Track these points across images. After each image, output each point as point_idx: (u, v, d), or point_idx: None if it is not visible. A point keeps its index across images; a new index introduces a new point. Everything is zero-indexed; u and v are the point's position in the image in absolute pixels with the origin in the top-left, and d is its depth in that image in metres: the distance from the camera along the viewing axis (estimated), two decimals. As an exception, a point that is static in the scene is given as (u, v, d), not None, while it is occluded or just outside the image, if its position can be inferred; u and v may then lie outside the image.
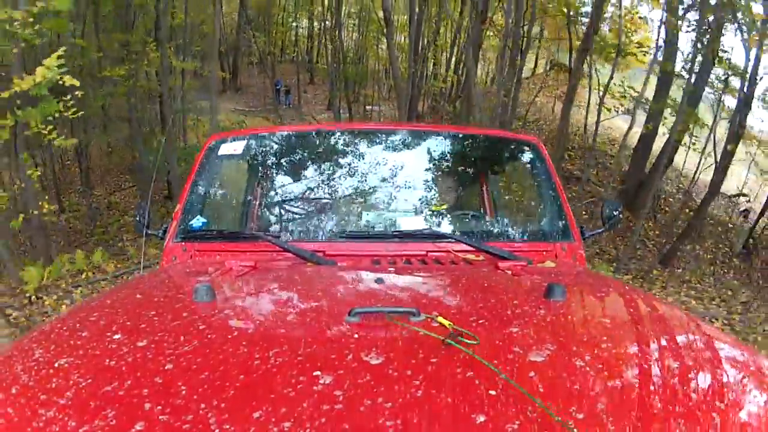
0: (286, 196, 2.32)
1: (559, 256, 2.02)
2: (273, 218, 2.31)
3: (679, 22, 8.43)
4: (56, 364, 0.90)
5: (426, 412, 0.71)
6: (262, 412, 0.70)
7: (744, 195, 13.02)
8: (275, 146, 2.41)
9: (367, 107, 16.91)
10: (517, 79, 10.16)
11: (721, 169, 8.92)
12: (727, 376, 0.91)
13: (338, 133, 2.40)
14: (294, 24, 19.72)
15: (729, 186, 12.53)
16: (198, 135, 11.15)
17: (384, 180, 2.23)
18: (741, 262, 9.92)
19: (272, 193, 2.37)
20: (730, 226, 11.22)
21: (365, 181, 2.24)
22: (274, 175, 2.39)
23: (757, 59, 8.55)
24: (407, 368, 0.82)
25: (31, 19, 5.24)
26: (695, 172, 10.85)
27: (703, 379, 0.88)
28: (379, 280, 1.39)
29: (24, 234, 7.93)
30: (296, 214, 2.23)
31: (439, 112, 15.63)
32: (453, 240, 1.93)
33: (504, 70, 9.77)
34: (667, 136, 9.18)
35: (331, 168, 2.29)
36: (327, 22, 19.05)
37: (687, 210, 10.50)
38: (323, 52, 21.62)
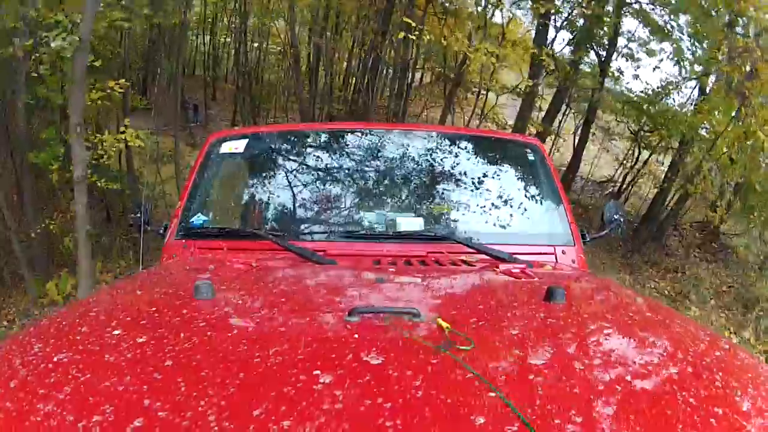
0: (287, 195, 2.32)
1: (560, 259, 2.04)
2: (274, 217, 2.31)
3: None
4: (55, 359, 0.89)
5: (426, 412, 0.71)
6: (262, 410, 0.70)
7: (612, 181, 14.68)
8: (276, 145, 2.43)
9: (270, 120, 17.34)
10: (406, 94, 11.91)
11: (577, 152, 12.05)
12: (729, 381, 0.89)
13: (341, 133, 2.43)
14: (198, 38, 19.00)
15: (601, 174, 15.04)
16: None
17: (385, 180, 2.26)
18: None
19: (273, 191, 2.37)
20: (590, 207, 13.40)
21: (367, 181, 2.28)
22: (276, 174, 2.39)
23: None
24: (407, 368, 0.82)
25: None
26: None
27: (704, 385, 0.86)
28: (379, 280, 1.39)
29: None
30: (297, 213, 2.24)
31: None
32: (453, 241, 1.95)
33: (396, 84, 11.65)
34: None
35: (333, 167, 2.30)
36: (228, 39, 18.80)
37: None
38: (225, 68, 21.27)
